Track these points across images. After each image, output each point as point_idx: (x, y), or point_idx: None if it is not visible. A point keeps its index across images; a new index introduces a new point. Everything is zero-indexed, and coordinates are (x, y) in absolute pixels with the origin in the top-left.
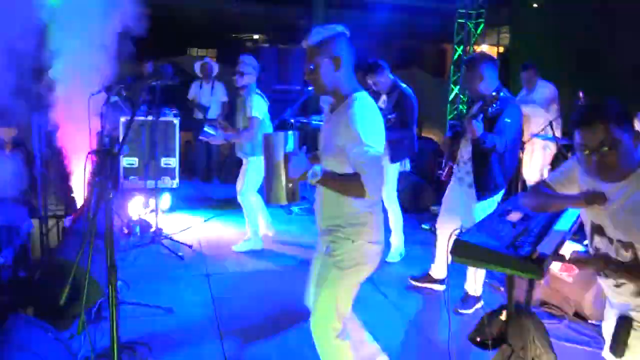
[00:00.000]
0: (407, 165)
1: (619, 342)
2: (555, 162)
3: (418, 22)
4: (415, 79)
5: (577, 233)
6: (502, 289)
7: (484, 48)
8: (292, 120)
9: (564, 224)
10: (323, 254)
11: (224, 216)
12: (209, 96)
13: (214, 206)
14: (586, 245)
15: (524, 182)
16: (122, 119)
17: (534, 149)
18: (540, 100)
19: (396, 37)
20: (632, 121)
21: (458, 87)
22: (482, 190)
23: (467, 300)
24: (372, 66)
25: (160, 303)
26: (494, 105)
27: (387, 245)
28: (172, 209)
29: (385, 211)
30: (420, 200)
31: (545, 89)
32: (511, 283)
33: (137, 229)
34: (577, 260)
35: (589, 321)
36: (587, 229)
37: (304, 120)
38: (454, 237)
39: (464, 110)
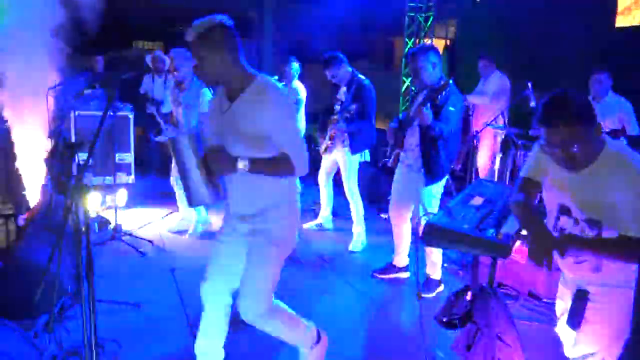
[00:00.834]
0: (366, 156)
1: (576, 315)
2: (505, 150)
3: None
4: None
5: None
6: (461, 272)
7: (433, 41)
8: None
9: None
10: (249, 237)
11: None
12: (162, 90)
13: (172, 201)
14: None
15: (477, 169)
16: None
17: (485, 138)
18: (491, 90)
19: (346, 29)
20: (592, 112)
21: (409, 79)
22: (431, 175)
23: (429, 284)
24: (330, 59)
25: (126, 300)
26: (443, 93)
27: (350, 234)
28: (129, 205)
29: (347, 201)
30: (378, 190)
31: (497, 80)
32: (476, 264)
33: (96, 226)
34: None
35: (542, 300)
36: (552, 210)
37: None
38: (421, 223)
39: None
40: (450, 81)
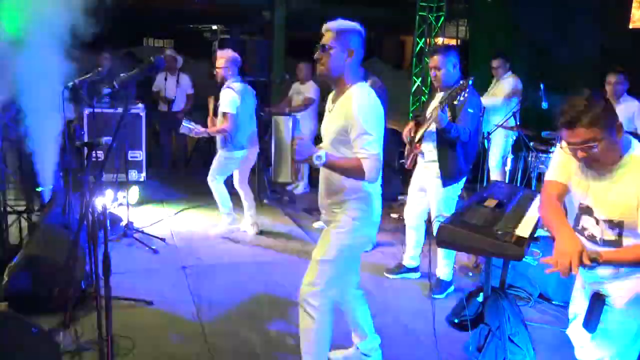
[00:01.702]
0: None
1: (593, 318)
2: (517, 151)
3: (378, 14)
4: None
5: None
6: (471, 273)
7: (444, 41)
8: (262, 113)
9: (536, 209)
10: (325, 223)
11: (194, 208)
12: (175, 88)
13: (183, 198)
14: None
15: (488, 170)
16: (86, 111)
17: (496, 139)
18: (504, 92)
19: None
20: (613, 113)
21: (420, 79)
22: (447, 177)
23: (439, 285)
24: None
25: (138, 297)
26: (463, 94)
27: None
28: (140, 202)
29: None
30: (388, 190)
31: (510, 82)
32: (488, 266)
33: (108, 223)
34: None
35: (553, 302)
36: (574, 210)
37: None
38: (435, 225)
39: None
40: (470, 82)
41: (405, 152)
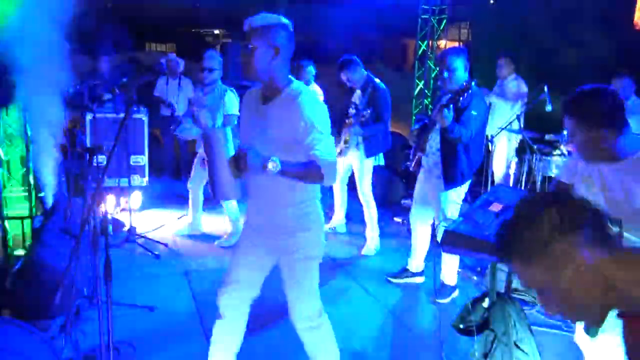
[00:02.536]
0: (381, 159)
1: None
2: (521, 154)
3: (380, 17)
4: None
5: None
6: (475, 277)
7: (446, 43)
8: None
9: None
10: (279, 253)
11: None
12: (177, 92)
13: (186, 203)
14: None
15: (492, 173)
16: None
17: (500, 142)
18: (509, 93)
19: (358, 31)
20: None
21: (423, 82)
22: (450, 180)
23: (444, 289)
24: (345, 62)
25: (140, 302)
26: (465, 95)
27: (363, 238)
28: (143, 207)
29: (361, 205)
30: (391, 194)
31: (514, 84)
32: (494, 271)
33: (110, 229)
34: None
35: None
36: None
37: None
38: (439, 230)
39: (429, 105)
40: (473, 83)
41: (410, 155)
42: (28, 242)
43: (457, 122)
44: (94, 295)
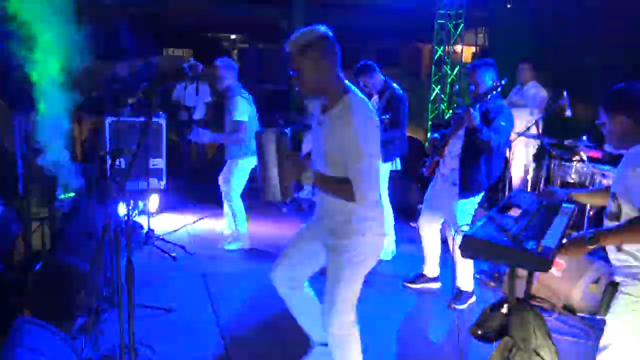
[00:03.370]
0: (397, 164)
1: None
2: (539, 160)
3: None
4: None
5: (574, 227)
6: (492, 283)
7: (463, 48)
8: (281, 121)
9: (563, 218)
10: (331, 249)
11: (213, 216)
12: (194, 97)
13: (202, 207)
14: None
15: (510, 180)
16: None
17: (518, 148)
18: (530, 100)
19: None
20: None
21: (439, 87)
22: (465, 189)
23: (461, 295)
24: (363, 68)
25: (158, 304)
26: (493, 93)
27: None
28: (160, 210)
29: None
30: (408, 199)
31: (534, 89)
32: (513, 277)
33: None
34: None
35: (578, 314)
36: None
37: (293, 120)
38: (457, 236)
39: (445, 109)
40: (503, 82)
41: (427, 161)
42: (48, 243)
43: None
44: (113, 297)
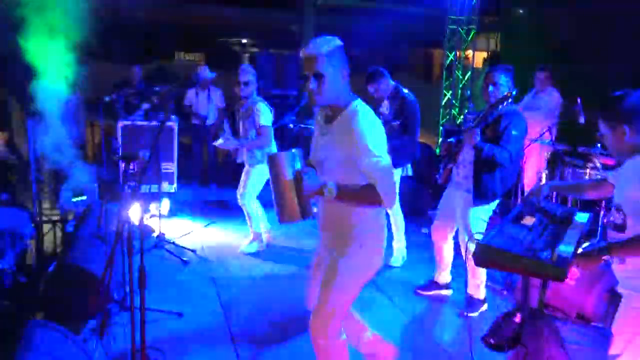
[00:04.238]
0: (408, 170)
1: (608, 314)
2: (553, 166)
3: (405, 28)
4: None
5: (589, 235)
6: (505, 291)
7: (474, 53)
8: (292, 126)
9: (577, 227)
10: (331, 257)
11: (225, 220)
12: (206, 102)
13: (214, 210)
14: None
15: (522, 187)
16: (120, 124)
17: (531, 154)
18: (545, 105)
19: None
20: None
21: (450, 92)
22: (479, 196)
23: (472, 303)
24: (373, 74)
25: (169, 308)
26: (504, 103)
27: (390, 249)
28: (171, 213)
29: (387, 215)
30: (419, 204)
31: (550, 96)
32: (527, 285)
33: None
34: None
35: (592, 323)
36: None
37: (303, 126)
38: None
39: (457, 115)
40: (514, 92)
41: (441, 167)
42: (61, 247)
43: (496, 144)
44: (124, 300)
